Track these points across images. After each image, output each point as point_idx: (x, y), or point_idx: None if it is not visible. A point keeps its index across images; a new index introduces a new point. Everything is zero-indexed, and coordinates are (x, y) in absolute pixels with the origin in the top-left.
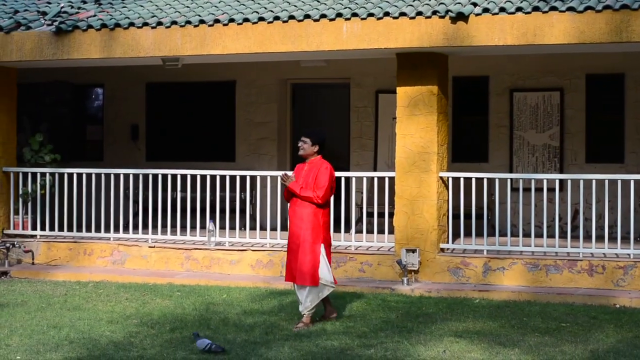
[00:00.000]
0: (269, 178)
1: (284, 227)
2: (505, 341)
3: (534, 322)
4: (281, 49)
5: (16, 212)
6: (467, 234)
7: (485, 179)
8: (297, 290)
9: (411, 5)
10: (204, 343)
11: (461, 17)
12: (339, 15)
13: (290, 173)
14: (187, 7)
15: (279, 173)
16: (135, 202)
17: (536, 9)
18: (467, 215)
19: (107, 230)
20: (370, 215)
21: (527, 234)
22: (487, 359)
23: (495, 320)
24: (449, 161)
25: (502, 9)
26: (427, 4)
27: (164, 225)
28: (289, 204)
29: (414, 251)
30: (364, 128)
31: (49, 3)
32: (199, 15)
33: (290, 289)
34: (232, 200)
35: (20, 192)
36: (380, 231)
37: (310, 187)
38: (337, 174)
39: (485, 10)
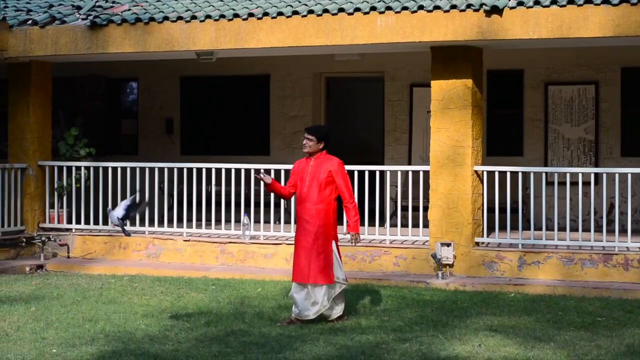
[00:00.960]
0: None
1: None
2: (540, 335)
3: (569, 317)
4: (315, 43)
5: (52, 206)
6: (502, 227)
7: (520, 172)
8: (311, 289)
9: None
10: (114, 218)
11: (495, 10)
12: (373, 8)
13: (263, 174)
14: (221, 0)
15: None
16: (170, 195)
17: (571, 1)
18: (502, 209)
19: (142, 224)
20: (404, 209)
21: (562, 228)
22: (522, 353)
23: (531, 314)
24: (483, 155)
25: (537, 2)
26: None
27: (199, 219)
28: (296, 201)
29: (448, 245)
30: (398, 122)
31: None
32: (233, 9)
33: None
34: (267, 194)
35: (56, 185)
36: (415, 225)
37: (321, 181)
38: (372, 167)
39: (520, 3)
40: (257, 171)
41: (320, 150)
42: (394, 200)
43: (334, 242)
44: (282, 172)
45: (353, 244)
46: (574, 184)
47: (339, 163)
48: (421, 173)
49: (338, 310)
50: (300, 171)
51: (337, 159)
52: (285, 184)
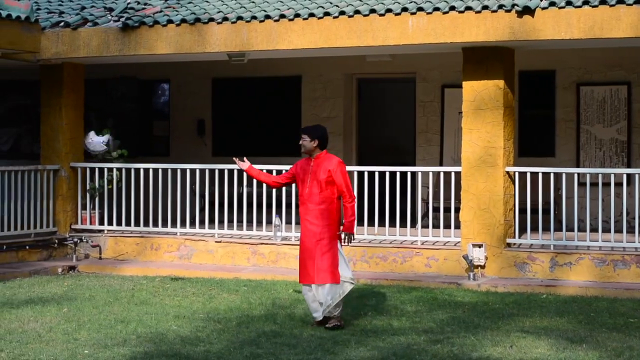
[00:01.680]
0: None
1: None
2: (572, 337)
3: (602, 318)
4: (347, 44)
5: (84, 207)
6: (534, 228)
7: (552, 173)
8: (315, 290)
9: (477, 0)
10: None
11: (527, 10)
12: (405, 9)
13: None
14: (253, 2)
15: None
16: (202, 197)
17: (603, 2)
18: (534, 210)
19: (174, 225)
20: (436, 210)
21: (594, 229)
22: (553, 355)
23: (563, 315)
24: (515, 156)
25: (569, 3)
26: None
27: (230, 220)
28: (299, 202)
29: (480, 246)
30: (430, 123)
31: None
32: (265, 11)
33: (359, 285)
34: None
35: (88, 187)
36: (447, 226)
37: (321, 181)
38: (403, 168)
39: (552, 3)
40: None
41: (316, 149)
42: (425, 202)
43: (338, 241)
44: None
45: (346, 243)
46: (606, 184)
47: (338, 162)
48: (453, 174)
49: (340, 309)
50: (301, 172)
51: (337, 159)
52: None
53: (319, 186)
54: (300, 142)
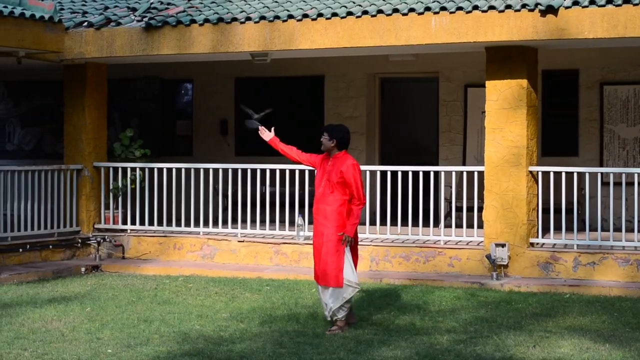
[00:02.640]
0: None
1: (372, 222)
2: (595, 337)
3: (625, 318)
4: (370, 44)
5: (107, 207)
6: (557, 228)
7: (575, 173)
8: (321, 291)
9: None
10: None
11: (551, 10)
12: (428, 9)
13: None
14: (276, 1)
15: (369, 167)
16: (225, 196)
17: (627, 1)
18: (557, 210)
19: (197, 224)
20: (459, 209)
21: (617, 229)
22: (577, 355)
23: (586, 315)
24: (538, 155)
25: (592, 2)
26: None
27: (253, 220)
28: (313, 201)
29: (503, 246)
30: (453, 122)
31: None
32: (288, 10)
33: (382, 285)
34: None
35: (111, 186)
36: (470, 225)
37: (333, 182)
38: (426, 168)
39: (575, 2)
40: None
41: (334, 149)
42: (448, 201)
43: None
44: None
45: (343, 243)
46: (630, 184)
47: (352, 164)
48: (476, 174)
49: (345, 313)
50: (319, 168)
51: (351, 160)
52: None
53: (330, 187)
54: (321, 140)
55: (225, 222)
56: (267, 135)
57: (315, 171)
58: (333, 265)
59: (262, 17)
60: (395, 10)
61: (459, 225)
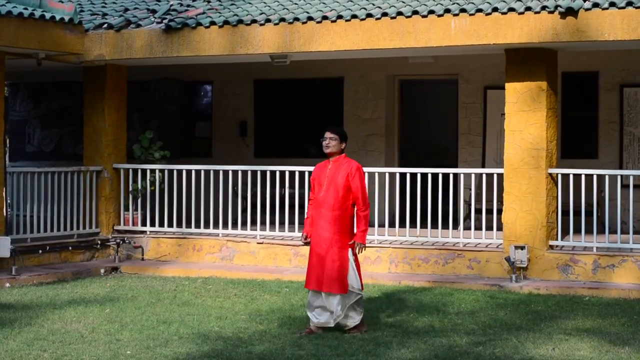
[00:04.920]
0: (376, 174)
1: (391, 224)
2: (615, 339)
3: None
4: (389, 45)
5: (126, 208)
6: (577, 231)
7: (594, 175)
8: (325, 298)
9: (520, 1)
10: None
11: (570, 12)
12: (447, 11)
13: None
14: (295, 3)
15: (388, 169)
16: (244, 198)
17: None
18: (577, 212)
19: (216, 226)
20: (478, 211)
21: (637, 231)
22: (596, 357)
23: (605, 318)
24: (558, 157)
25: (612, 4)
26: None
27: (272, 222)
28: (313, 205)
29: (522, 248)
30: (472, 124)
31: (159, 1)
32: (307, 12)
33: (401, 287)
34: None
35: (130, 188)
36: (489, 228)
37: (338, 186)
38: (445, 170)
39: (595, 4)
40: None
41: (340, 152)
42: (467, 203)
43: (350, 249)
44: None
45: (357, 252)
46: None
47: (358, 167)
48: (495, 176)
49: (355, 319)
50: (318, 175)
51: (356, 163)
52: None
53: (335, 190)
54: (326, 143)
55: (244, 224)
56: (308, 240)
57: (314, 180)
58: (338, 271)
59: (282, 19)
60: (415, 12)
61: (478, 227)
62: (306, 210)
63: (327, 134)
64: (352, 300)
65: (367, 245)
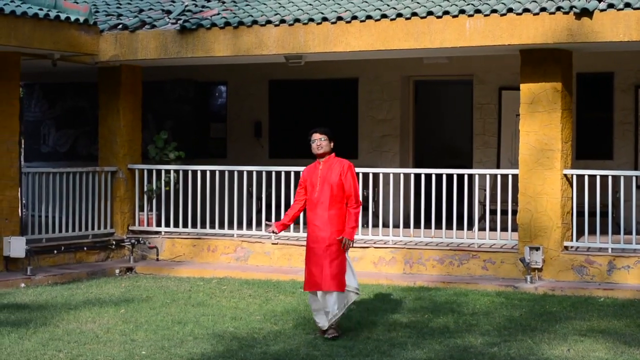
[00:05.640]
0: (391, 175)
1: (406, 225)
2: (630, 340)
3: None
4: (404, 46)
5: (141, 209)
6: (591, 231)
7: (609, 176)
8: (322, 297)
9: (535, 2)
10: None
11: (585, 12)
12: (462, 11)
13: (271, 226)
14: (310, 4)
15: (403, 170)
16: (259, 199)
17: None
18: (591, 213)
19: (231, 226)
20: (493, 212)
21: None
22: (611, 359)
23: (620, 319)
24: (572, 158)
25: (627, 4)
26: (551, 0)
27: None
28: (307, 207)
29: (537, 249)
30: (487, 125)
31: (173, 2)
32: (322, 13)
33: (416, 287)
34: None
35: (145, 188)
36: (504, 229)
37: (332, 185)
38: (460, 171)
39: (610, 5)
40: (268, 226)
41: (330, 151)
42: (482, 204)
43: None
44: (370, 176)
45: (343, 248)
46: None
47: (349, 165)
48: (510, 177)
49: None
50: (310, 176)
51: (347, 161)
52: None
53: (329, 190)
54: (316, 144)
55: (259, 225)
56: (273, 228)
57: (306, 182)
58: (337, 269)
59: (297, 20)
60: (430, 13)
61: (493, 228)
62: (294, 206)
63: (316, 136)
64: (350, 300)
65: (383, 246)
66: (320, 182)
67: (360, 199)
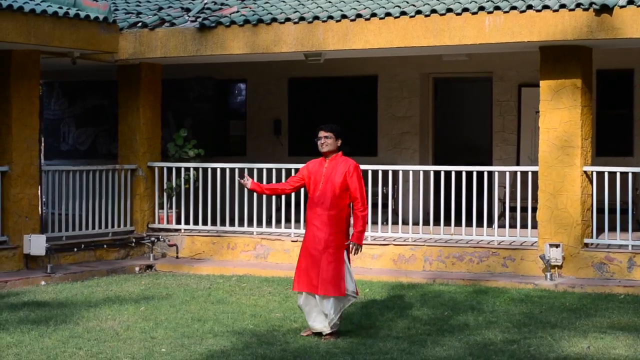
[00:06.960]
0: (411, 173)
1: (425, 222)
2: None
3: None
4: (423, 43)
5: (161, 207)
6: (612, 228)
7: (630, 173)
8: (319, 301)
9: None
10: None
11: (605, 9)
12: (482, 8)
13: (246, 179)
14: (329, 1)
15: (422, 167)
16: (278, 196)
17: None
18: (612, 210)
19: (250, 224)
20: (513, 209)
21: None
22: (632, 356)
23: None
24: (593, 155)
25: None
26: None
27: None
28: (307, 205)
29: (557, 246)
30: (507, 122)
31: (192, 0)
32: (341, 10)
33: (435, 285)
34: (374, 195)
35: (165, 186)
36: (523, 226)
37: (336, 185)
38: (480, 168)
39: (630, 2)
40: (241, 175)
41: (337, 150)
42: (502, 201)
43: (345, 251)
44: (390, 173)
45: (352, 254)
46: None
47: (355, 166)
48: (529, 174)
49: (337, 324)
50: (313, 173)
51: (353, 162)
52: (394, 186)
53: (332, 190)
54: (322, 142)
55: (278, 222)
56: (247, 183)
57: (309, 178)
58: (334, 273)
59: (316, 17)
60: (449, 10)
61: (512, 225)
62: (281, 184)
63: (322, 133)
64: (347, 304)
65: (403, 243)
66: (324, 180)
67: (367, 201)
